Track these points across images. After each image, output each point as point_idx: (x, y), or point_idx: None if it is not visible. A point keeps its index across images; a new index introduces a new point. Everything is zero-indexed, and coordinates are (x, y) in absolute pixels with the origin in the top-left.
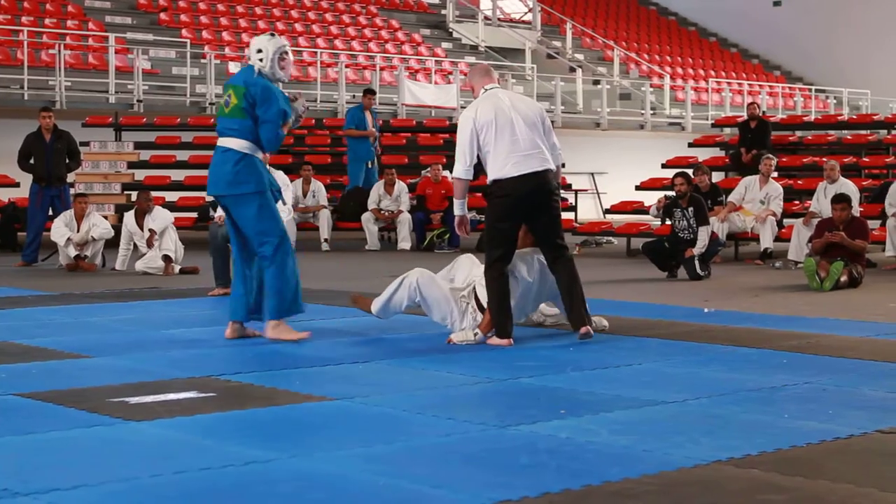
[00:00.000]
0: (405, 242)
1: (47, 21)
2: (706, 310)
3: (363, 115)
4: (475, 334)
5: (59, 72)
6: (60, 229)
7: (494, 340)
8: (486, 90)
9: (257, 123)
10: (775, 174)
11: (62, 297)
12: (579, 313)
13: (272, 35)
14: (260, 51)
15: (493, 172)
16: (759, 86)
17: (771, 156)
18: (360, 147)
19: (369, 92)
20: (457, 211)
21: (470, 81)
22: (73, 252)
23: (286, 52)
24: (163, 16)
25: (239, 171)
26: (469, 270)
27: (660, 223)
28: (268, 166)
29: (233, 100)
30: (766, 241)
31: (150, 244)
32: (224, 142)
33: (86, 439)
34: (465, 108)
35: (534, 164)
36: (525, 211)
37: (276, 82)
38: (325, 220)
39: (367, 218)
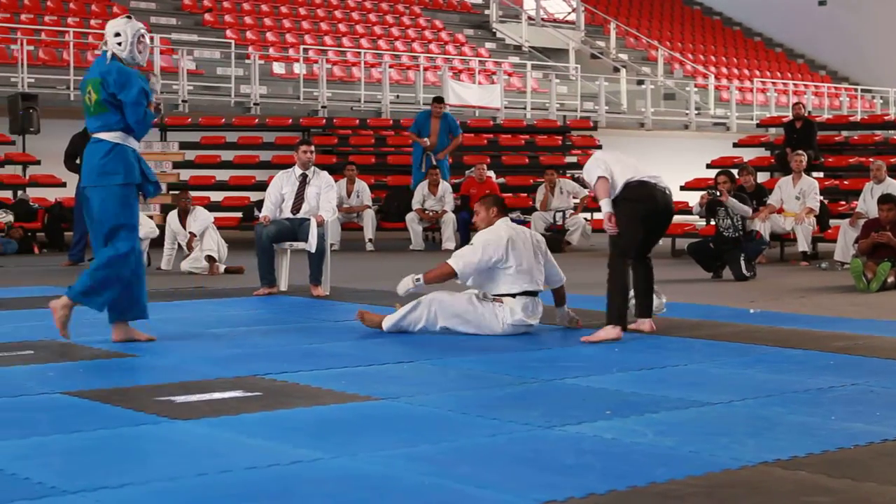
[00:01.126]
0: (449, 242)
1: (93, 22)
2: (752, 311)
3: (426, 122)
4: (416, 280)
5: None
6: None
7: (606, 333)
8: None
9: (122, 110)
10: (820, 174)
11: None
12: (647, 306)
13: (129, 18)
14: (118, 34)
15: (630, 175)
16: (805, 85)
17: (800, 152)
18: (416, 151)
19: (436, 100)
20: (606, 209)
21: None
22: None
23: (143, 35)
24: (207, 16)
25: (107, 162)
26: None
27: (704, 223)
28: (314, 167)
29: (93, 95)
30: (803, 245)
31: (189, 247)
32: (96, 135)
33: (132, 438)
34: (509, 107)
35: (663, 184)
36: (655, 221)
37: (133, 66)
38: (369, 220)
39: (411, 218)
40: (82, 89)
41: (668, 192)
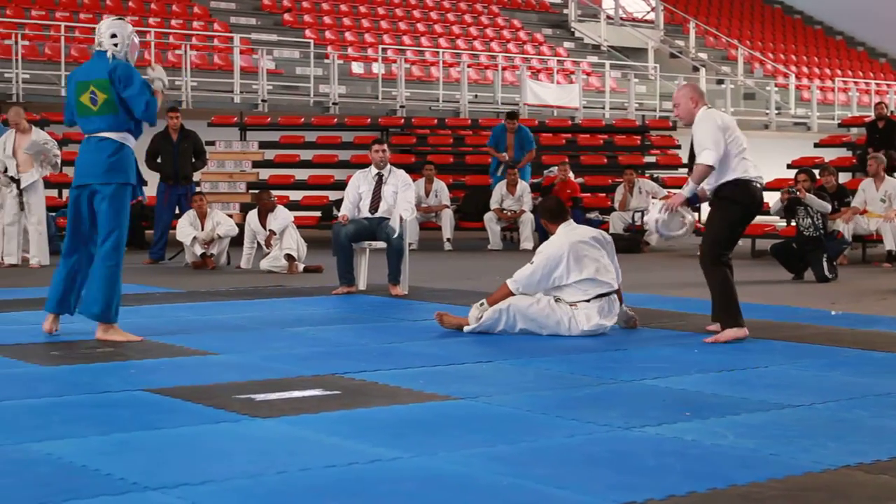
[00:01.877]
0: (527, 242)
1: (174, 22)
2: (833, 312)
3: (503, 136)
4: (480, 305)
5: (185, 72)
6: (185, 228)
7: (731, 333)
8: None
9: (127, 108)
10: None
11: (189, 294)
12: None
13: (122, 18)
14: (115, 35)
15: (737, 172)
16: (888, 85)
17: (876, 154)
18: (493, 164)
19: (510, 115)
20: (688, 192)
21: (692, 96)
22: (199, 250)
23: (135, 35)
24: (287, 16)
25: (114, 162)
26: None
27: (785, 223)
28: (390, 166)
29: (100, 95)
30: (890, 243)
31: (268, 244)
32: (96, 135)
33: (213, 435)
34: (587, 107)
35: (761, 179)
36: (751, 218)
37: None
38: (447, 219)
39: (489, 217)
40: (76, 88)
41: (762, 185)
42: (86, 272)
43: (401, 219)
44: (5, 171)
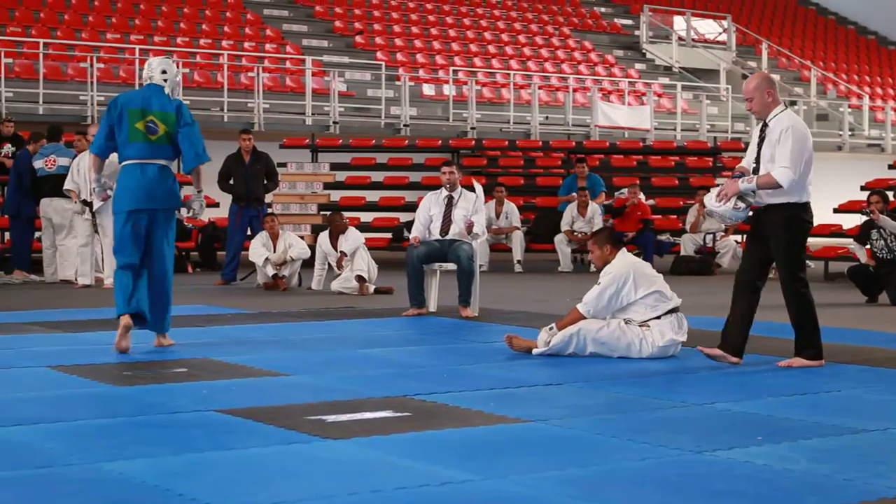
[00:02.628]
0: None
1: (246, 45)
2: None
3: (574, 184)
4: (549, 330)
5: (257, 94)
6: (258, 249)
7: (805, 361)
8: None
9: (175, 142)
10: None
11: (260, 315)
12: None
13: (170, 57)
14: (165, 72)
15: (806, 194)
16: None
17: None
18: (563, 187)
19: (580, 161)
20: (744, 188)
21: (768, 89)
22: (270, 271)
23: (179, 74)
24: (358, 38)
25: (174, 188)
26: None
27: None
28: (460, 188)
29: (161, 126)
30: None
31: (339, 265)
32: (150, 162)
33: (284, 456)
34: (659, 129)
35: None
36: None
37: None
38: (517, 241)
39: (559, 239)
40: (128, 115)
41: None
42: (143, 286)
43: (471, 233)
44: (78, 195)
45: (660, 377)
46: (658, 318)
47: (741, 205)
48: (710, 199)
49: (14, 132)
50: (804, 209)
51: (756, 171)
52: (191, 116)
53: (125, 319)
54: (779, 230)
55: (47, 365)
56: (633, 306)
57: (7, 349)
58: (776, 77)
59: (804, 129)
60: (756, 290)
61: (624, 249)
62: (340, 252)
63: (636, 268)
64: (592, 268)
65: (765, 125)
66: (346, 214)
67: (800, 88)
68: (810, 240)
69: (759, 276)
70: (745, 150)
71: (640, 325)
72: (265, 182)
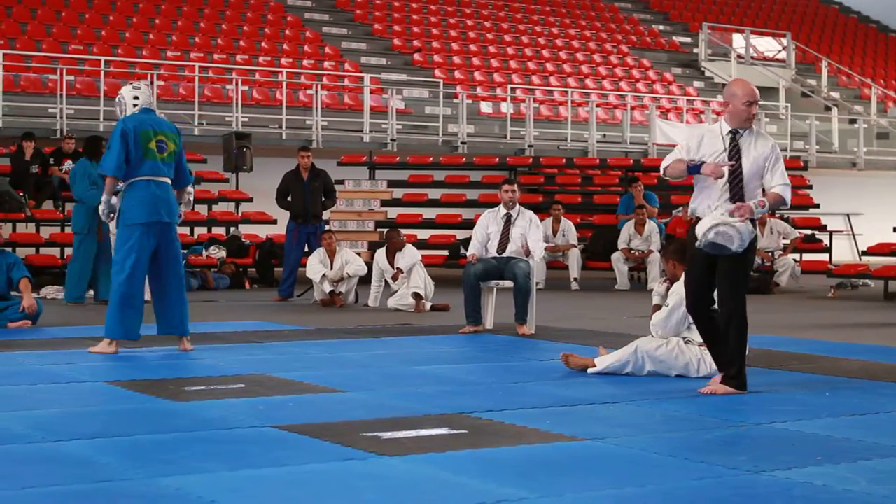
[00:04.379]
0: (655, 282)
1: (305, 62)
2: None
3: (630, 203)
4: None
5: (316, 112)
6: (315, 266)
7: (730, 388)
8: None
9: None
10: None
11: (317, 331)
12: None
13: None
14: (137, 98)
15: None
16: None
17: None
18: (622, 204)
19: (632, 181)
20: (758, 213)
21: (751, 98)
22: (327, 288)
23: None
24: (416, 56)
25: (176, 202)
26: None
27: None
28: (518, 207)
29: (169, 145)
30: None
31: (395, 279)
32: (160, 179)
33: (340, 473)
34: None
35: None
36: None
37: None
38: (574, 259)
39: (616, 257)
40: (140, 136)
41: None
42: (161, 295)
43: (528, 254)
44: None
45: (717, 396)
46: None
47: (750, 227)
48: (719, 217)
49: (75, 149)
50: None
51: (736, 180)
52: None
53: (117, 346)
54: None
55: (105, 380)
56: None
57: (66, 364)
58: (836, 95)
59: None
60: (713, 314)
61: None
62: (396, 268)
63: None
64: (650, 286)
65: (736, 132)
66: (403, 231)
67: (860, 106)
68: (870, 259)
69: (711, 301)
70: (804, 168)
71: (699, 346)
72: (323, 199)
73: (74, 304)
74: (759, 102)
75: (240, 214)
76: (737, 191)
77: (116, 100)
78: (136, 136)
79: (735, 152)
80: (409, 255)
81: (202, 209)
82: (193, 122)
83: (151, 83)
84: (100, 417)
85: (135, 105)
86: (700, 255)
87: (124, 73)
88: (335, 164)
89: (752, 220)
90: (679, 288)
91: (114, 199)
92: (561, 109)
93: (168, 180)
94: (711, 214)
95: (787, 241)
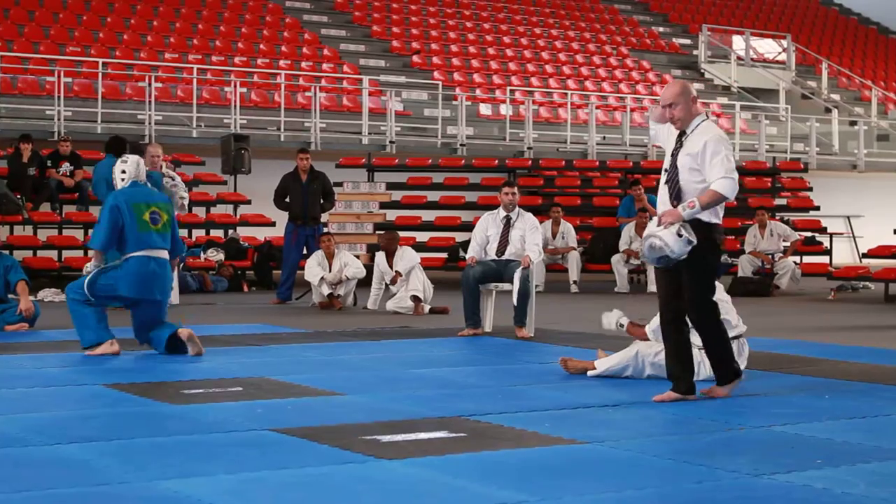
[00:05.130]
0: (654, 285)
1: (304, 64)
2: None
3: (632, 206)
4: (619, 325)
5: (314, 114)
6: (314, 269)
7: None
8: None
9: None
10: None
11: (315, 334)
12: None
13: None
14: (125, 171)
15: (720, 216)
16: None
17: None
18: (622, 207)
19: (634, 184)
20: (687, 216)
21: (692, 96)
22: (326, 290)
23: None
24: (415, 58)
25: (171, 277)
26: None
27: None
28: (518, 209)
29: (163, 216)
30: None
31: (393, 282)
32: (158, 253)
33: (338, 476)
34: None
35: None
36: None
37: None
38: (574, 261)
39: (616, 260)
40: (132, 209)
41: None
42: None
43: (526, 266)
44: None
45: (718, 399)
46: None
47: (683, 233)
48: (650, 228)
49: (72, 151)
50: (718, 231)
51: (672, 179)
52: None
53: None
54: (697, 252)
55: (103, 383)
56: None
57: (63, 367)
58: (836, 97)
59: (727, 139)
60: (685, 325)
61: None
62: (395, 272)
63: None
64: (649, 289)
65: (683, 133)
66: (403, 234)
67: (860, 108)
68: (871, 261)
69: (683, 310)
70: (804, 170)
71: (700, 349)
72: (322, 201)
73: None
74: (674, 104)
75: (238, 217)
76: (675, 191)
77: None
78: (129, 209)
79: (677, 150)
80: (408, 258)
81: (200, 211)
82: (191, 125)
83: (149, 84)
84: (97, 420)
85: (122, 179)
86: (660, 274)
87: (122, 75)
88: (334, 167)
89: (712, 225)
90: None
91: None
92: (560, 111)
93: (166, 254)
94: (648, 225)
95: (788, 244)
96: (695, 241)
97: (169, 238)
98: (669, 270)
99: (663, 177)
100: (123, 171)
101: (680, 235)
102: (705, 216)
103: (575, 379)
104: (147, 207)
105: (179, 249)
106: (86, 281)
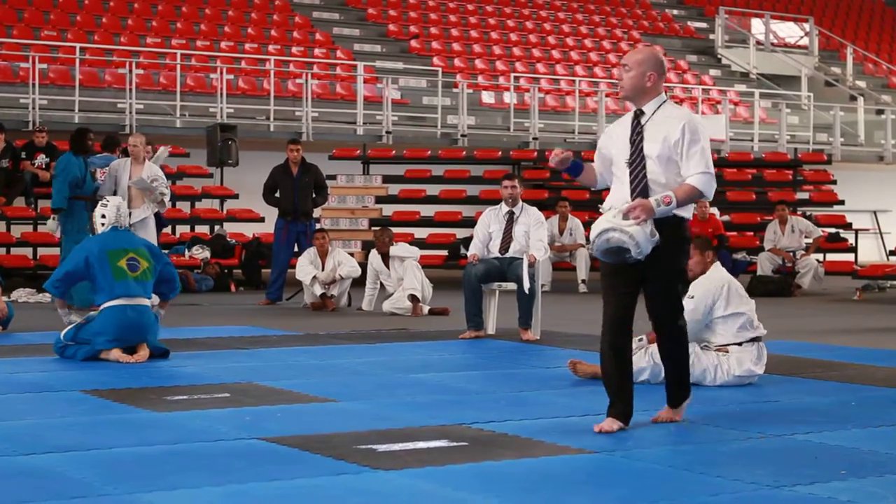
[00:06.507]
0: None
1: (294, 50)
2: None
3: None
4: (639, 340)
5: (305, 102)
6: (305, 267)
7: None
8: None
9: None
10: None
11: (307, 337)
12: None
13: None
14: (104, 216)
15: (687, 212)
16: None
17: None
18: None
19: None
20: (660, 213)
21: (651, 72)
22: (318, 290)
23: None
24: (413, 43)
25: (156, 326)
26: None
27: None
28: (521, 203)
29: (143, 263)
30: None
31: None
32: (136, 301)
33: (332, 488)
34: (735, 139)
35: None
36: None
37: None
38: (582, 259)
39: None
40: (113, 255)
41: None
42: None
43: (531, 263)
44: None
45: (735, 406)
46: (739, 344)
47: (656, 234)
48: (610, 220)
49: (48, 142)
50: (688, 227)
51: (637, 170)
52: (159, 251)
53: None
54: (667, 252)
55: (81, 389)
56: (716, 326)
57: (39, 371)
58: (861, 84)
59: (704, 125)
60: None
61: (717, 264)
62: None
63: (732, 283)
64: None
65: (640, 112)
66: (400, 230)
67: (888, 96)
68: None
69: (632, 317)
70: (828, 162)
71: (717, 349)
72: (314, 195)
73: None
74: (629, 68)
75: (225, 212)
76: (640, 184)
77: None
78: (103, 258)
79: (637, 136)
80: (403, 249)
81: (185, 206)
82: (175, 114)
83: (130, 71)
84: (75, 429)
85: (102, 224)
86: (616, 277)
87: (101, 62)
88: (326, 158)
89: (681, 222)
90: (706, 280)
91: (73, 317)
92: (568, 100)
93: (145, 301)
94: (604, 216)
95: (810, 241)
96: (658, 240)
97: (149, 286)
98: (628, 272)
99: (621, 170)
100: (103, 216)
101: (653, 235)
102: (680, 210)
103: (584, 384)
104: (125, 253)
105: (170, 291)
106: (62, 338)
